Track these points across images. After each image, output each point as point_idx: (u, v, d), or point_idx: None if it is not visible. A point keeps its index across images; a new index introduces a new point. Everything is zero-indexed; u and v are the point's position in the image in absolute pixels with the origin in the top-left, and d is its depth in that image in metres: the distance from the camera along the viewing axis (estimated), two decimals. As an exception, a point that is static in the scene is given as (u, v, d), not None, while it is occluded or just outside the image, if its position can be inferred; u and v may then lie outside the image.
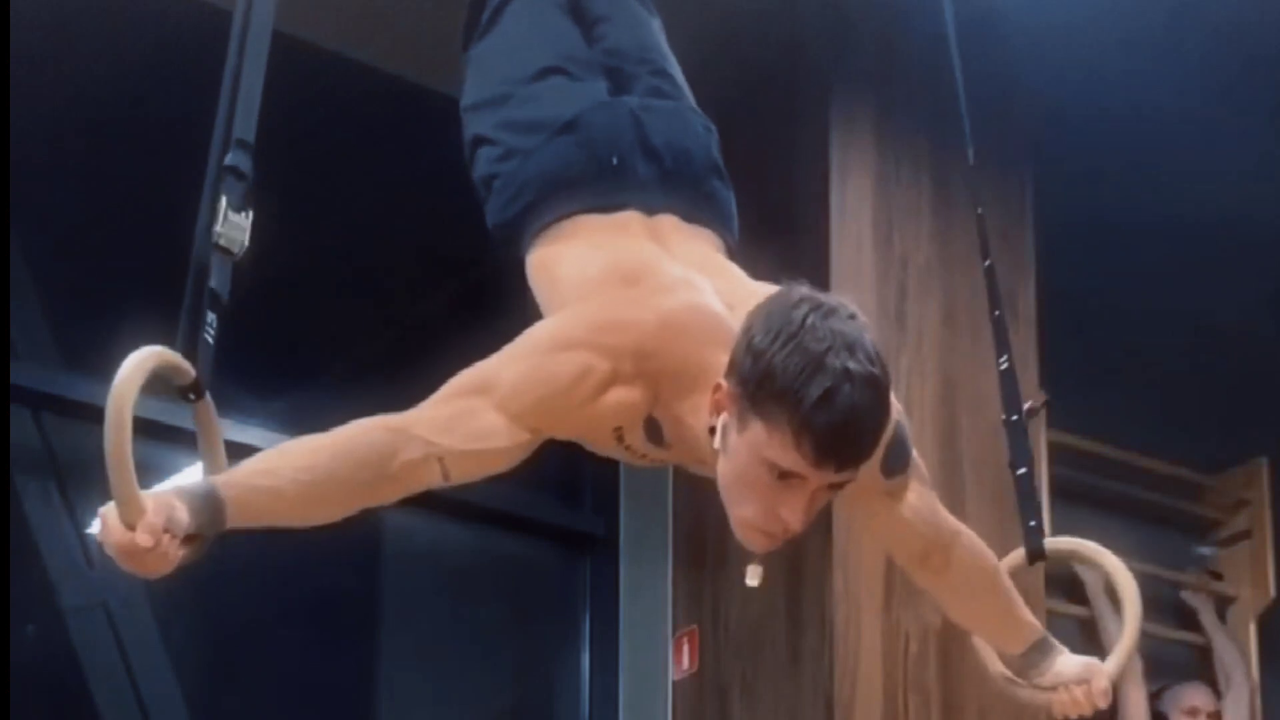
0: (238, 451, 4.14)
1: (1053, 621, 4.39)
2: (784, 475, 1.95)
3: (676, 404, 2.08)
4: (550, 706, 4.72)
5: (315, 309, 4.51)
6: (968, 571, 2.37)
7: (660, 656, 4.42)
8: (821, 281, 4.23)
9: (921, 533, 2.31)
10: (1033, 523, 2.62)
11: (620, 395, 2.07)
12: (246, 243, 2.28)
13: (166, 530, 1.92)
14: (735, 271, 2.27)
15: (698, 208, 2.32)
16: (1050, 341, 4.44)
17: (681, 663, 4.36)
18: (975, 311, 4.32)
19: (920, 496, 2.31)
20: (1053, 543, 2.63)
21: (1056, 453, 4.67)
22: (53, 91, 4.04)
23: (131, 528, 1.91)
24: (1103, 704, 2.40)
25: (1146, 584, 5.05)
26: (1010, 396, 2.65)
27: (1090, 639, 4.88)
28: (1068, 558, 2.64)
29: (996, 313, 2.75)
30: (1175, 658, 5.13)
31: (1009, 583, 2.45)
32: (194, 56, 4.12)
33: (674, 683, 4.37)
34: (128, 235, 4.27)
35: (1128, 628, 2.52)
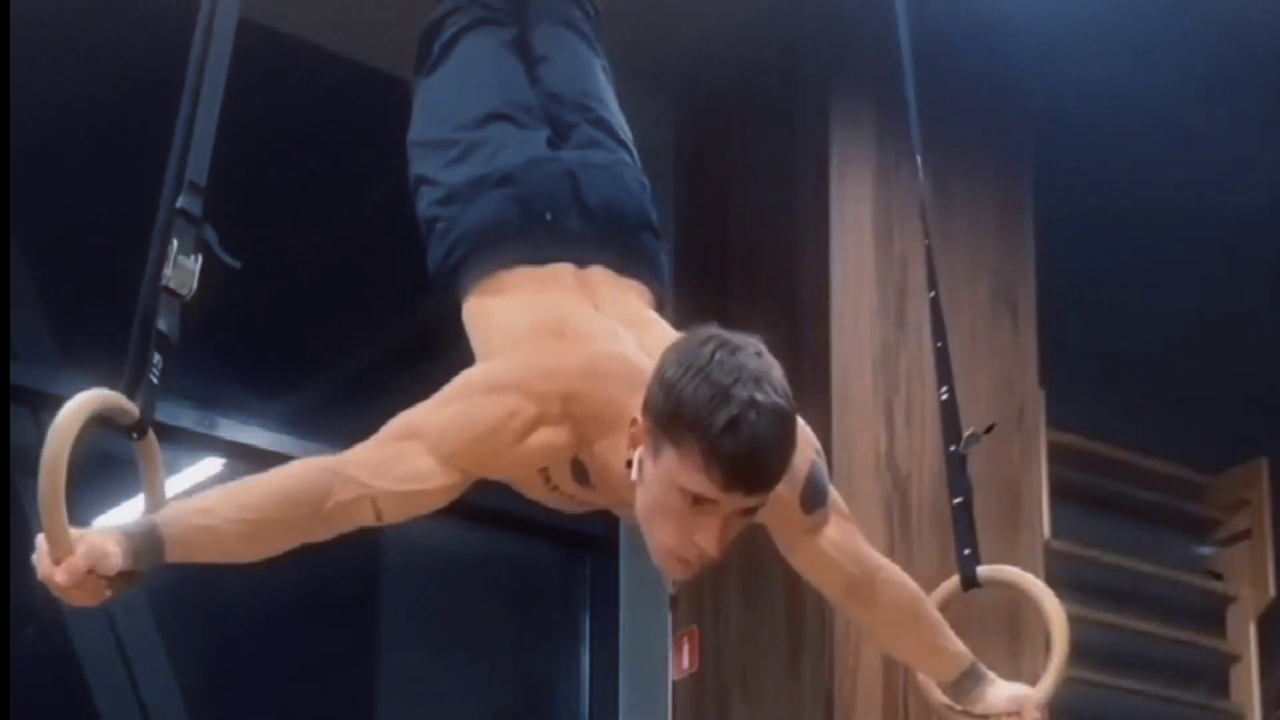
0: (239, 452, 4.17)
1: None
2: (697, 501, 2.04)
3: (599, 444, 2.18)
4: (550, 706, 4.72)
5: (316, 309, 4.52)
6: (894, 603, 2.43)
7: (660, 656, 4.42)
8: (822, 282, 4.25)
9: (845, 567, 2.38)
10: (967, 551, 2.69)
11: (546, 437, 2.17)
12: (195, 286, 2.35)
13: (91, 570, 2.05)
14: (660, 324, 2.36)
15: (628, 261, 2.42)
16: (1050, 341, 4.44)
17: (681, 663, 4.36)
18: (975, 311, 4.33)
19: (842, 532, 2.38)
20: (987, 571, 2.64)
21: (1056, 453, 4.67)
22: (53, 91, 4.04)
23: (58, 564, 2.07)
24: None
25: (1147, 584, 5.09)
26: (950, 427, 2.69)
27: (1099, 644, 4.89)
28: (1000, 586, 2.65)
29: (940, 344, 2.79)
30: (1176, 658, 5.13)
31: (936, 613, 2.51)
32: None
33: (674, 683, 4.37)
34: (128, 235, 4.26)
35: (1056, 658, 2.54)
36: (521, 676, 4.81)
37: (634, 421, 2.10)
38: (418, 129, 2.61)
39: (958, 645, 2.48)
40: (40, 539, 2.09)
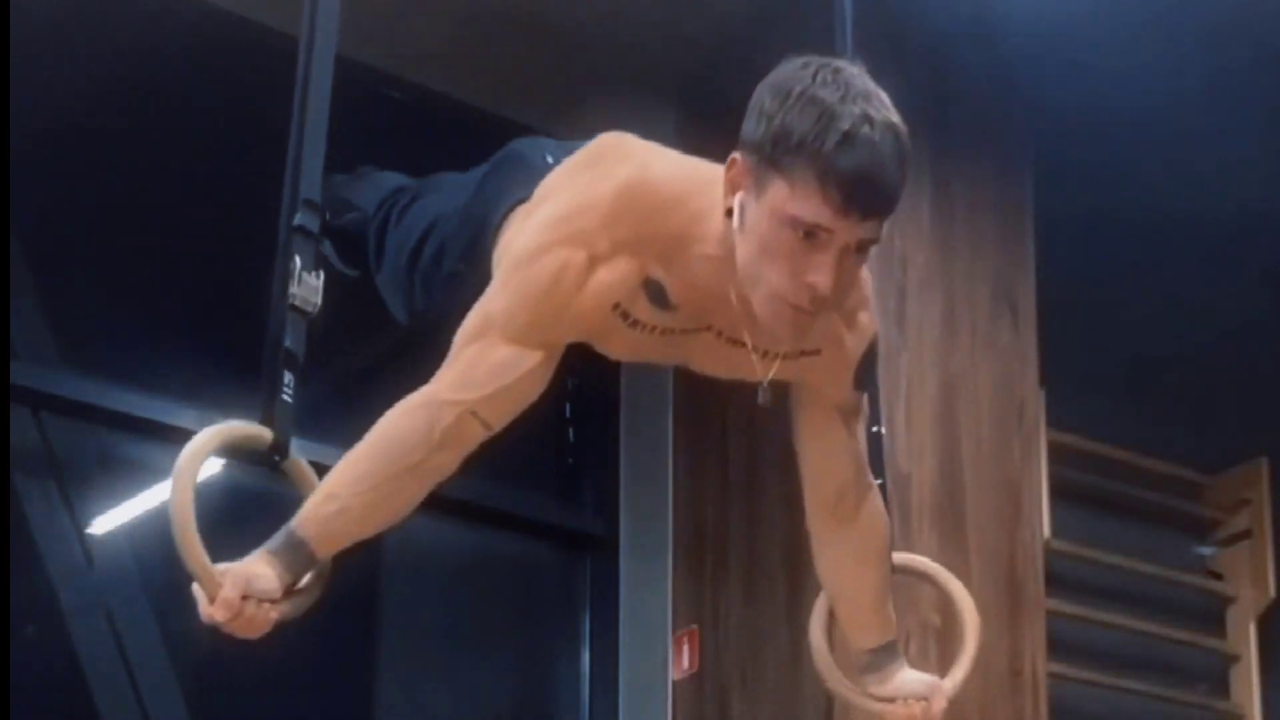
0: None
1: (1052, 622, 4.40)
2: (809, 233, 1.93)
3: (671, 250, 2.08)
4: (550, 706, 4.72)
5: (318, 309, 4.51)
6: (870, 530, 2.35)
7: (660, 656, 4.42)
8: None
9: (848, 469, 2.31)
10: (879, 481, 2.56)
11: (605, 275, 2.07)
12: (319, 302, 2.34)
13: (246, 597, 2.08)
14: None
15: None
16: (1050, 341, 4.44)
17: (681, 663, 4.36)
18: (975, 311, 4.32)
19: (860, 435, 2.33)
20: (901, 559, 2.61)
21: (1056, 453, 4.67)
22: (53, 91, 4.04)
23: (212, 599, 2.09)
24: None
25: (1147, 584, 5.09)
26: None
27: (1092, 640, 4.89)
28: (910, 574, 2.62)
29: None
30: (1176, 658, 5.13)
31: (890, 565, 2.43)
32: (195, 56, 4.14)
33: (674, 683, 4.37)
34: (128, 235, 4.27)
35: (967, 650, 2.50)
36: (521, 676, 4.80)
37: (731, 163, 2.00)
38: (398, 255, 2.62)
39: (891, 612, 2.42)
40: (194, 587, 2.10)
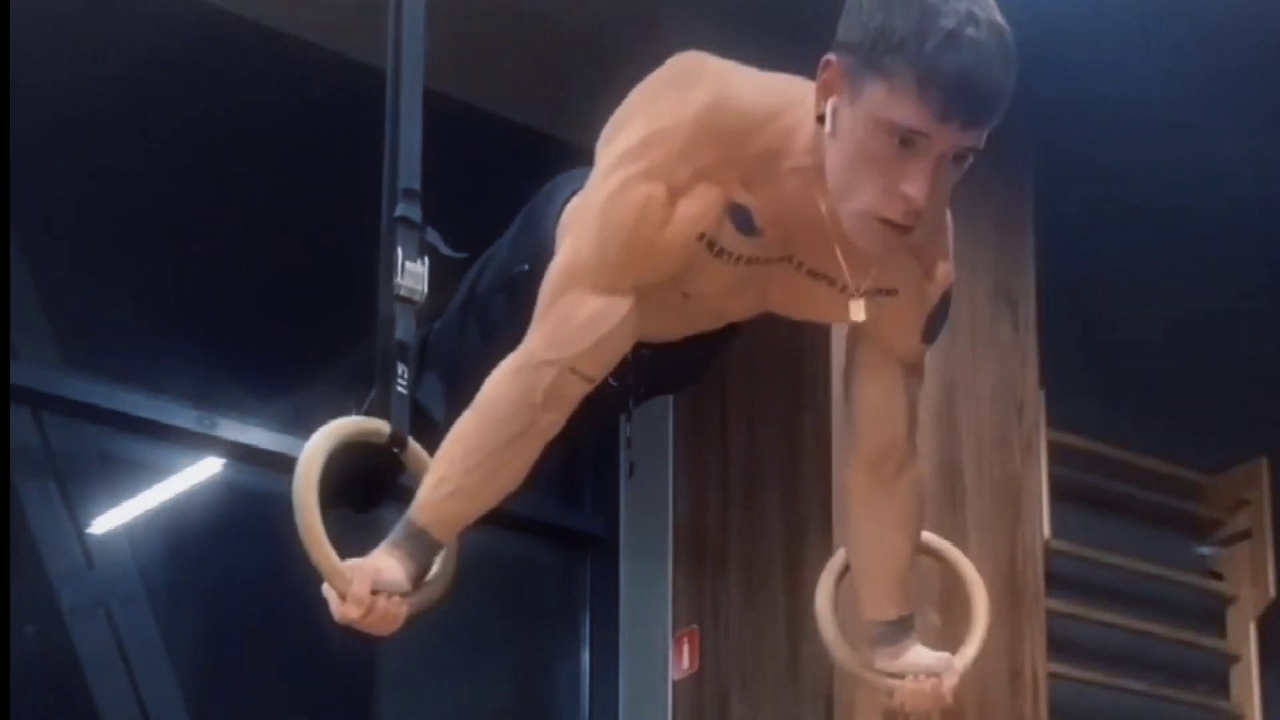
0: (239, 452, 4.16)
1: (1052, 622, 4.40)
2: (906, 140, 1.83)
3: (755, 172, 1.98)
4: (550, 706, 4.72)
5: (316, 309, 4.51)
6: (907, 495, 2.29)
7: (660, 656, 4.42)
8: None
9: (899, 425, 2.23)
10: None
11: (688, 207, 1.98)
12: (425, 289, 2.32)
13: (376, 592, 2.04)
14: None
15: None
16: (1050, 341, 4.44)
17: (681, 663, 4.36)
18: (975, 311, 4.32)
19: (916, 395, 2.25)
20: None
21: (1056, 453, 4.67)
22: (53, 91, 4.04)
23: (344, 599, 2.05)
24: (947, 702, 2.35)
25: (1147, 584, 5.09)
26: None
27: (1091, 638, 4.89)
28: (924, 553, 2.59)
29: None
30: (1176, 658, 5.13)
31: (919, 537, 2.37)
32: (195, 56, 4.14)
33: (674, 683, 4.37)
34: (128, 235, 4.27)
35: (976, 626, 2.46)
36: (521, 676, 4.80)
37: (826, 64, 1.89)
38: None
39: (911, 589, 2.36)
40: (325, 588, 2.07)
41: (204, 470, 4.12)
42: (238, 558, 4.04)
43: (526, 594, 4.73)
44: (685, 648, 4.36)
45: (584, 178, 2.16)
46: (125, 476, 4.15)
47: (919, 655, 2.34)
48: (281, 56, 4.06)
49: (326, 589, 2.06)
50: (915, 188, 1.84)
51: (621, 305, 2.01)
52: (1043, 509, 4.45)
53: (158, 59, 4.09)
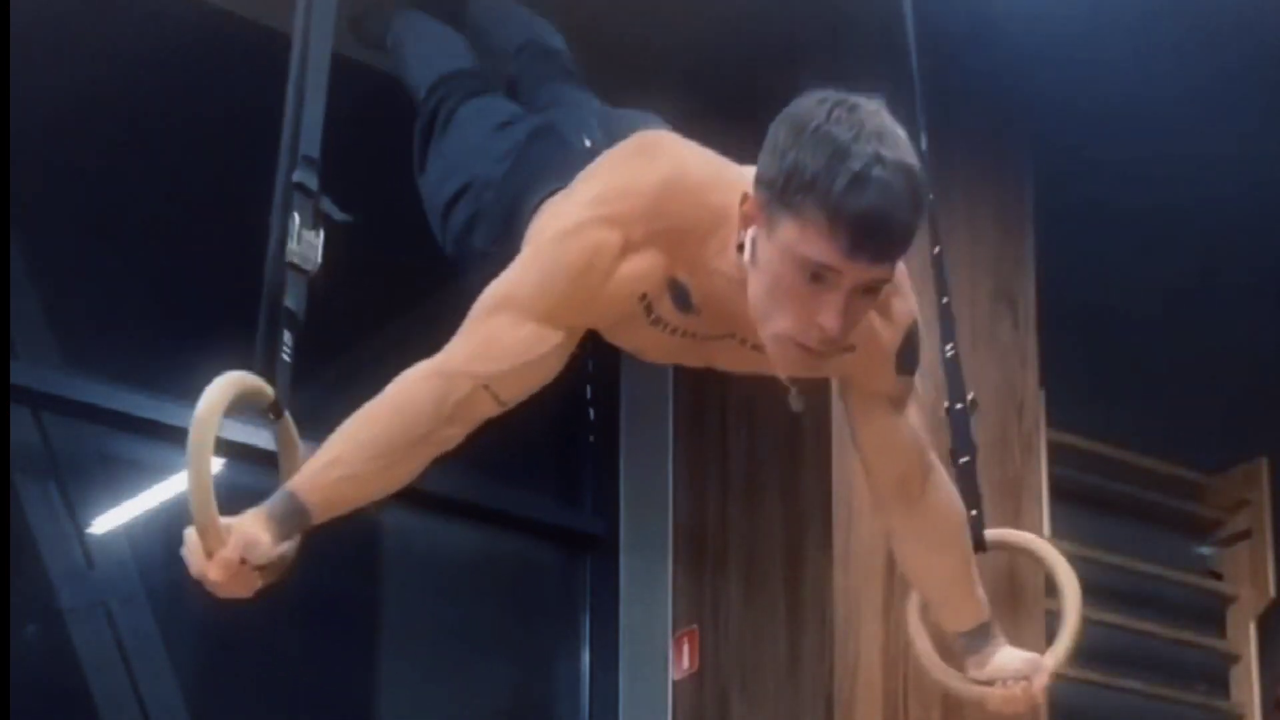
0: (239, 452, 4.17)
1: (1052, 622, 4.40)
2: (817, 275, 1.91)
3: (697, 255, 2.05)
4: (550, 706, 4.72)
5: (316, 309, 4.51)
6: (941, 510, 2.32)
7: (660, 656, 4.42)
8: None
9: (907, 451, 2.29)
10: (974, 512, 2.54)
11: (636, 264, 2.05)
12: (319, 260, 2.31)
13: (244, 561, 2.00)
14: None
15: None
16: (1050, 341, 4.44)
17: (681, 663, 4.36)
18: (975, 311, 4.32)
19: (917, 415, 2.30)
20: (995, 534, 2.57)
21: (1056, 453, 4.67)
22: (53, 91, 4.04)
23: (210, 557, 2.00)
24: (1039, 702, 2.35)
25: (1147, 584, 5.09)
26: (955, 385, 2.61)
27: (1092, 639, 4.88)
28: (1008, 549, 2.59)
29: (945, 299, 2.70)
30: (1176, 658, 5.13)
31: (971, 547, 2.40)
32: (195, 56, 4.14)
33: (674, 683, 4.37)
34: (128, 235, 4.27)
35: (1069, 623, 2.46)
36: (521, 676, 4.80)
37: (745, 198, 1.97)
38: (436, 192, 2.57)
39: (982, 595, 2.38)
40: (189, 532, 2.02)
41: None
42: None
43: (526, 594, 4.73)
44: (685, 648, 4.36)
45: (579, 139, 2.22)
46: (125, 476, 4.15)
47: (1006, 659, 2.39)
48: (282, 57, 4.06)
49: (190, 541, 2.02)
50: (829, 319, 1.92)
51: (551, 338, 2.06)
52: (1043, 509, 4.45)
53: (158, 59, 4.09)
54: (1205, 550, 5.35)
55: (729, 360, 2.21)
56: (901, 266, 2.13)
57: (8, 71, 3.74)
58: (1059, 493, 4.65)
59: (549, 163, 2.30)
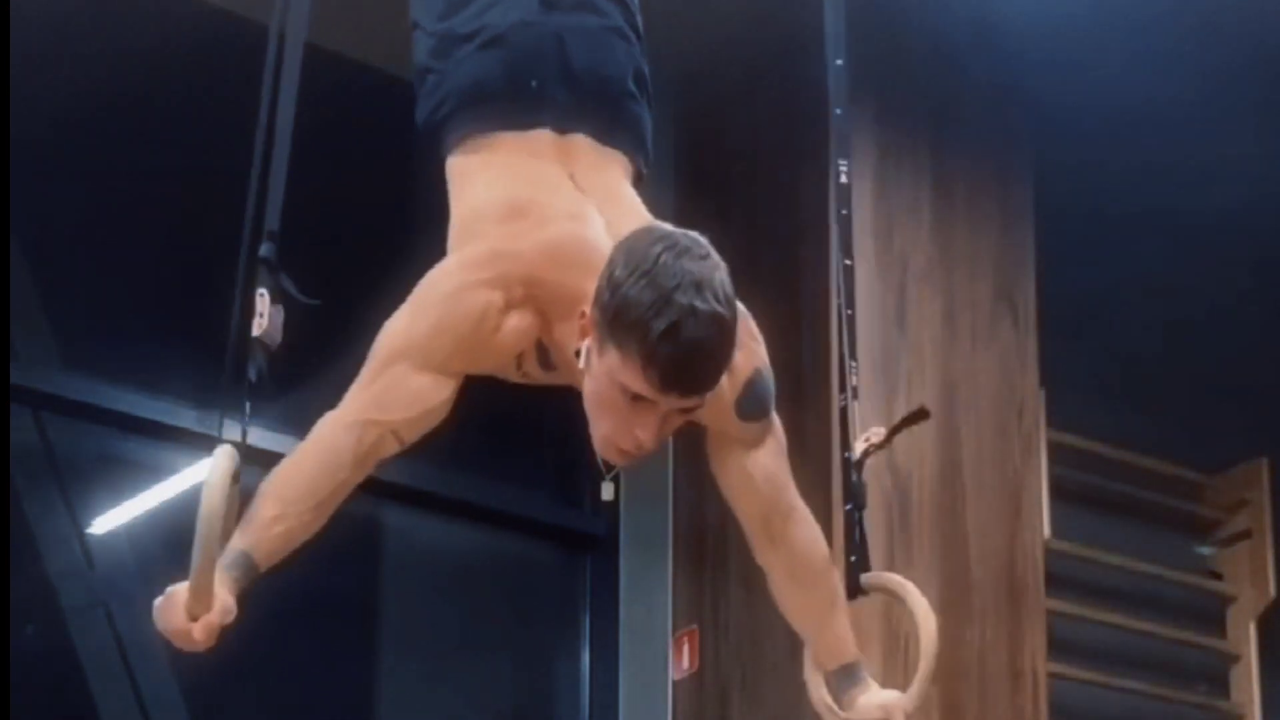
0: (241, 452, 4.15)
1: (1052, 622, 4.40)
2: (636, 398, 2.11)
3: (559, 328, 2.25)
4: (550, 706, 4.72)
5: (316, 309, 4.51)
6: (803, 550, 2.49)
7: (660, 656, 4.42)
8: (822, 282, 4.24)
9: (765, 493, 2.45)
10: (853, 559, 2.64)
11: (515, 322, 2.24)
12: (280, 337, 2.43)
13: (221, 625, 2.16)
14: (633, 202, 2.39)
15: (611, 132, 2.43)
16: (1050, 341, 4.44)
17: (681, 663, 4.36)
18: (975, 311, 4.33)
19: (773, 459, 2.45)
20: (871, 578, 2.62)
21: (1056, 453, 4.67)
22: (53, 91, 4.04)
23: (194, 618, 2.18)
24: None
25: (1147, 584, 5.10)
26: (844, 436, 2.69)
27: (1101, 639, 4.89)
28: (884, 593, 2.64)
29: (850, 311, 2.72)
30: (1176, 658, 5.13)
31: (840, 589, 2.52)
32: (194, 56, 4.14)
33: (674, 683, 4.37)
34: (128, 235, 4.27)
35: (923, 666, 2.51)
36: (521, 676, 4.80)
37: (583, 314, 2.16)
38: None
39: (849, 636, 2.50)
40: (174, 592, 2.19)
41: (204, 470, 4.11)
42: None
43: (526, 594, 4.73)
44: (685, 648, 4.36)
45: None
46: (125, 476, 4.15)
47: (869, 699, 2.48)
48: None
49: (174, 600, 2.19)
50: (644, 434, 2.15)
51: (448, 386, 2.25)
52: (1043, 509, 4.45)
53: (158, 59, 4.09)
54: (1205, 550, 5.35)
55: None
56: (745, 314, 2.27)
57: (8, 71, 3.74)
58: (1059, 493, 4.65)
59: (490, 89, 2.40)
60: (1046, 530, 4.48)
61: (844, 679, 2.48)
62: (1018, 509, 4.28)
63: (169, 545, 4.22)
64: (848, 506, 2.70)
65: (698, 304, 2.06)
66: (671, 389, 2.09)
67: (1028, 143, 4.46)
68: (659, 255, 2.09)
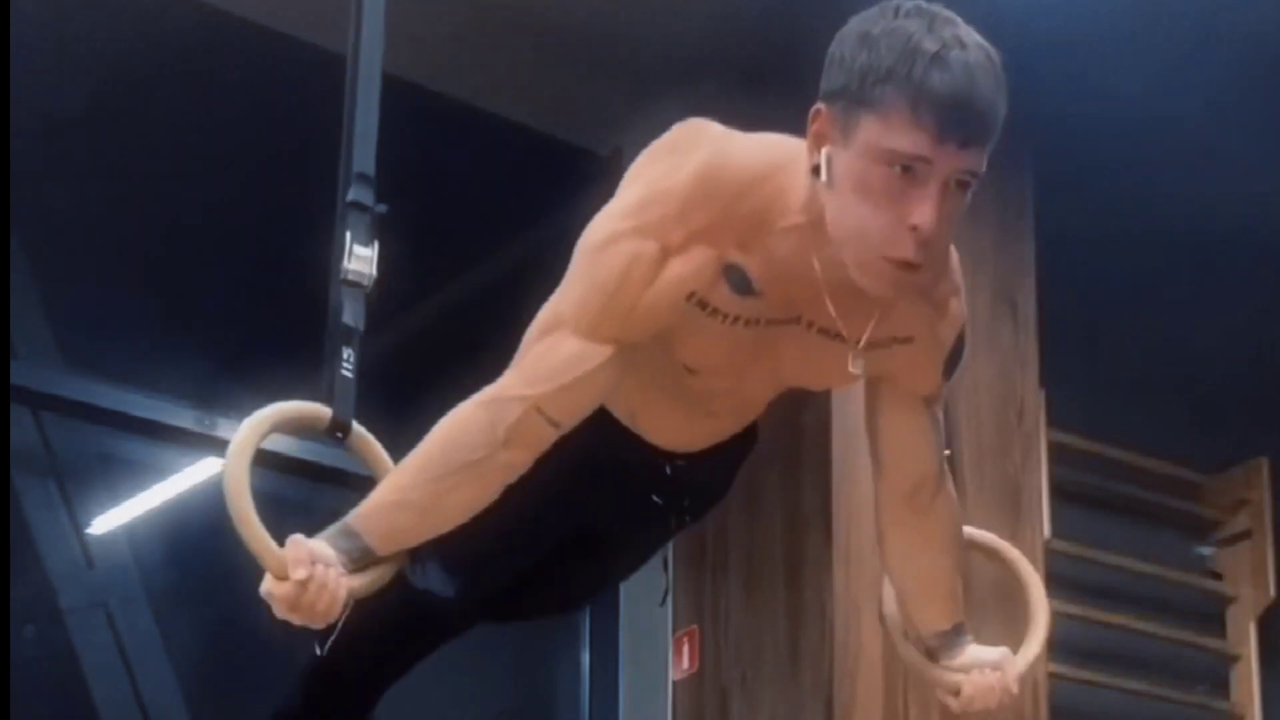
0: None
1: (1052, 622, 4.39)
2: (907, 168, 1.83)
3: (754, 234, 1.98)
4: (550, 706, 4.72)
5: (315, 309, 4.51)
6: (944, 522, 2.29)
7: (660, 656, 4.42)
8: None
9: (930, 459, 2.23)
10: None
11: (679, 267, 1.98)
12: (375, 274, 2.32)
13: (314, 561, 1.99)
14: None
15: None
16: (1050, 341, 4.44)
17: (681, 663, 4.36)
18: (976, 311, 4.32)
19: (940, 425, 2.24)
20: (971, 532, 2.57)
21: (1056, 453, 4.67)
22: (53, 91, 4.04)
23: (283, 578, 2.00)
24: (1013, 691, 2.35)
25: (1147, 584, 5.09)
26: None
27: (1099, 640, 4.89)
28: (982, 551, 2.59)
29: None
30: (1176, 658, 5.13)
31: (962, 552, 2.38)
32: (194, 56, 4.14)
33: (674, 683, 4.37)
34: (129, 235, 4.27)
35: (1035, 629, 2.47)
36: (521, 676, 4.80)
37: (816, 114, 1.90)
38: None
39: (960, 593, 2.36)
40: (263, 588, 2.04)
41: (204, 470, 4.13)
42: (238, 558, 4.04)
43: (526, 594, 4.73)
44: (685, 648, 4.36)
45: None
46: (125, 476, 4.15)
47: (978, 652, 2.35)
48: (282, 57, 4.07)
49: (267, 583, 2.03)
50: (921, 215, 1.84)
51: (599, 353, 2.01)
52: (1043, 509, 4.45)
53: (158, 59, 4.09)
54: (1205, 550, 5.35)
55: (797, 358, 2.12)
56: (958, 265, 2.11)
57: (8, 71, 3.74)
58: (1059, 493, 4.65)
59: None
60: (1046, 530, 4.48)
61: (952, 638, 2.35)
62: (1018, 509, 4.28)
63: (169, 545, 4.23)
64: (946, 452, 2.57)
65: (960, 34, 1.83)
66: (950, 131, 1.82)
67: (1028, 143, 4.46)
68: (895, 9, 1.85)
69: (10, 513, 3.88)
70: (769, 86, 4.41)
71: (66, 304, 4.14)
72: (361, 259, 2.32)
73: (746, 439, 2.39)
